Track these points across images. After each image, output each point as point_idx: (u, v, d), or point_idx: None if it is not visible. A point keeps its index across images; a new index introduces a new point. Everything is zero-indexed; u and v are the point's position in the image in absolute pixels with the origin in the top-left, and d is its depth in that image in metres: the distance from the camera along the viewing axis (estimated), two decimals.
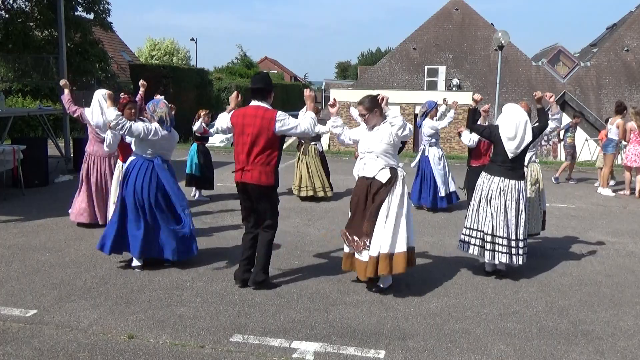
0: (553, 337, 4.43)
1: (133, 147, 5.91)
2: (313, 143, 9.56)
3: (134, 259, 5.74)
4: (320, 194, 9.49)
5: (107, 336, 4.23)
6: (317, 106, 9.74)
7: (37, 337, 4.19)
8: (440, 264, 6.17)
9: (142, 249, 5.62)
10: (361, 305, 4.96)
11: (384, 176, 5.13)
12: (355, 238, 5.14)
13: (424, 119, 8.87)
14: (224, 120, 5.35)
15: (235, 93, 5.56)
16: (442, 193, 8.86)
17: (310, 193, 9.48)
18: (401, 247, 5.08)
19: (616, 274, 6.04)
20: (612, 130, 11.00)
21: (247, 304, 4.90)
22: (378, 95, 5.25)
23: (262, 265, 5.26)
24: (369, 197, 5.17)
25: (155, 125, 5.70)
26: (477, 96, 6.11)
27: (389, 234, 5.06)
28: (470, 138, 7.11)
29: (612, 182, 11.59)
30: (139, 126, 5.62)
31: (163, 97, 8.41)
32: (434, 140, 8.94)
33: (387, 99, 5.17)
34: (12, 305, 4.75)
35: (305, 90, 5.55)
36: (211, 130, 9.53)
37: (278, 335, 4.33)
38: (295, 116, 5.47)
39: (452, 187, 9.07)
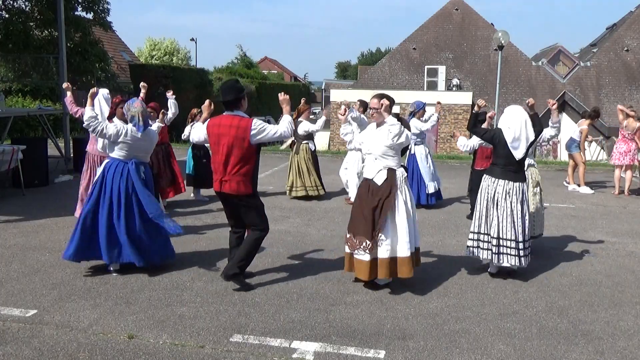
0: (553, 337, 4.43)
1: (102, 148, 5.77)
2: (305, 142, 9.60)
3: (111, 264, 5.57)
4: (312, 192, 9.52)
5: (107, 336, 4.23)
6: (308, 106, 9.77)
7: (37, 337, 4.19)
8: (440, 264, 6.17)
9: (110, 253, 5.43)
10: (361, 305, 4.96)
11: (380, 178, 5.19)
12: (358, 240, 5.15)
13: (411, 118, 8.96)
14: (200, 131, 5.25)
15: (207, 102, 5.42)
16: (430, 190, 8.99)
17: (302, 193, 9.53)
18: (405, 251, 5.12)
19: (616, 274, 6.04)
20: (576, 131, 11.48)
21: (247, 304, 4.90)
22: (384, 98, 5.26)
23: (239, 260, 5.15)
24: (368, 197, 5.20)
25: (128, 127, 5.57)
26: (481, 102, 6.15)
27: (396, 238, 5.12)
28: (465, 144, 6.92)
29: (572, 186, 11.58)
30: (110, 129, 5.52)
31: (173, 95, 8.46)
32: (419, 139, 9.06)
33: (387, 105, 5.19)
34: (12, 305, 4.75)
35: (280, 94, 5.32)
36: (187, 137, 9.50)
37: (278, 335, 4.33)
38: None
39: (439, 185, 9.18)
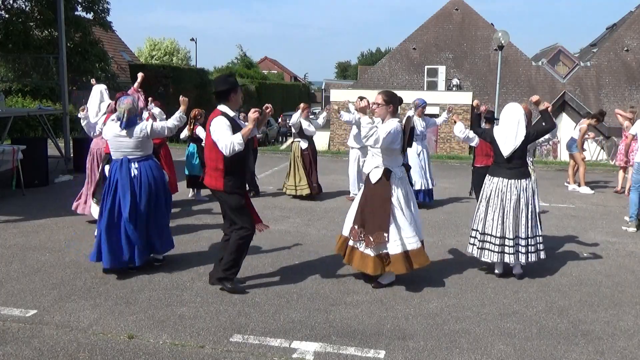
0: (553, 337, 4.43)
1: (85, 126, 5.98)
2: (296, 140, 9.70)
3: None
4: (294, 192, 9.56)
5: (107, 336, 4.23)
6: (307, 105, 9.82)
7: (37, 337, 4.19)
8: (440, 264, 6.17)
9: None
10: (361, 305, 4.96)
11: (374, 176, 5.26)
12: (362, 232, 5.19)
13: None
14: None
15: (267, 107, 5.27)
16: (417, 187, 8.91)
17: (292, 192, 9.59)
18: (414, 243, 5.21)
19: (616, 274, 6.04)
20: (575, 131, 11.61)
21: (247, 304, 4.90)
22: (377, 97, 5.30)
23: (225, 263, 5.10)
24: (368, 194, 5.27)
25: (106, 124, 5.67)
26: (475, 102, 6.49)
27: (401, 233, 5.18)
28: (461, 130, 7.07)
29: (572, 186, 11.58)
30: (85, 125, 5.78)
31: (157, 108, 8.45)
32: (414, 136, 9.04)
33: (366, 106, 5.26)
34: (12, 305, 4.75)
35: (251, 110, 5.01)
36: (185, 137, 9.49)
37: (278, 335, 4.33)
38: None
39: (430, 185, 9.15)
